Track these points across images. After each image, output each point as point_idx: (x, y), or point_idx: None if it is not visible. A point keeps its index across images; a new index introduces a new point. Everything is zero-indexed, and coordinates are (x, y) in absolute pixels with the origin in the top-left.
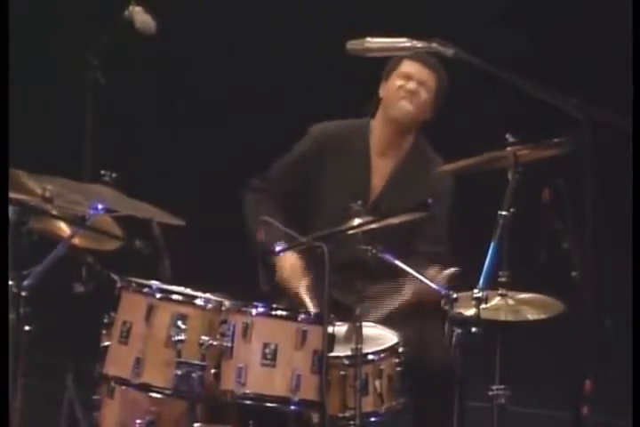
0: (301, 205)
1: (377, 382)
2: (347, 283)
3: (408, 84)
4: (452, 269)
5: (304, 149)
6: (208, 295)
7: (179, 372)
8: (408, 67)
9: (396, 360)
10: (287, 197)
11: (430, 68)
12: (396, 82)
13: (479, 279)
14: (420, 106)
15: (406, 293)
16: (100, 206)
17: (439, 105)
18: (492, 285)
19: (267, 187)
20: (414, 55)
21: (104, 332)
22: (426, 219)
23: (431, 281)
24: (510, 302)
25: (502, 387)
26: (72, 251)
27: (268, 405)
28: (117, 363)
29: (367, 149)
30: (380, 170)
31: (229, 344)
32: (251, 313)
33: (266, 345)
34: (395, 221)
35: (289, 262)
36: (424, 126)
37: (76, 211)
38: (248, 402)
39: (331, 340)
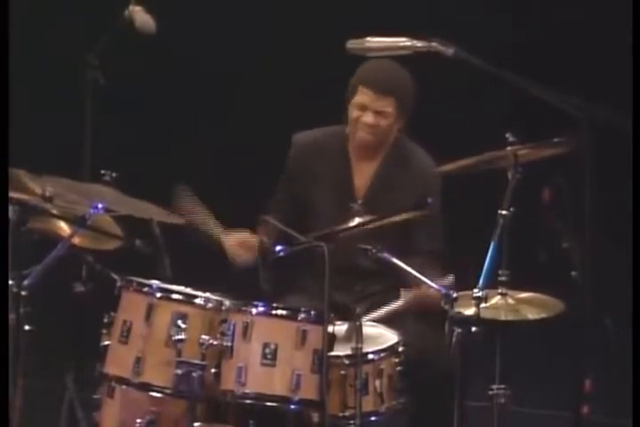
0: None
1: (377, 382)
2: (345, 285)
3: (364, 117)
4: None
5: (291, 161)
6: (208, 295)
7: (179, 371)
8: (362, 96)
9: (397, 360)
10: (296, 211)
11: (386, 93)
12: (353, 112)
13: (479, 279)
14: (381, 132)
15: (404, 301)
16: (100, 206)
17: (410, 110)
18: (492, 284)
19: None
20: (369, 80)
21: (104, 331)
22: (421, 218)
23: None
24: (510, 301)
25: (502, 387)
26: (72, 250)
27: (268, 404)
28: (117, 362)
29: (346, 154)
30: (363, 172)
31: (229, 344)
32: (251, 313)
33: (266, 345)
34: (395, 220)
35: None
36: (422, 128)
37: (76, 210)
38: (248, 402)
39: (331, 339)
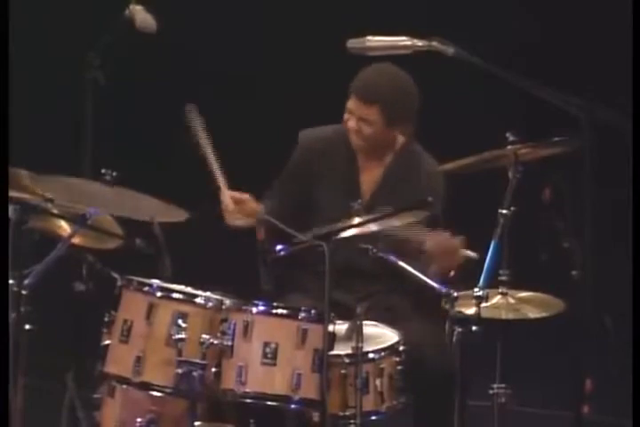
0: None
1: (377, 381)
2: (345, 284)
3: (349, 122)
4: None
5: (295, 159)
6: (208, 294)
7: (179, 371)
8: (350, 102)
9: (397, 359)
10: (293, 210)
11: (370, 102)
12: (345, 115)
13: (480, 278)
14: (367, 138)
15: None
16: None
17: (405, 116)
18: (493, 284)
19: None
20: (356, 88)
21: (105, 330)
22: (423, 219)
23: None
24: (511, 300)
25: (503, 386)
26: (72, 250)
27: (269, 403)
28: (118, 362)
29: (353, 154)
30: (371, 173)
31: (230, 343)
32: (251, 312)
33: (266, 344)
34: (395, 221)
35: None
36: (423, 127)
37: (76, 210)
38: (249, 401)
39: (331, 338)
